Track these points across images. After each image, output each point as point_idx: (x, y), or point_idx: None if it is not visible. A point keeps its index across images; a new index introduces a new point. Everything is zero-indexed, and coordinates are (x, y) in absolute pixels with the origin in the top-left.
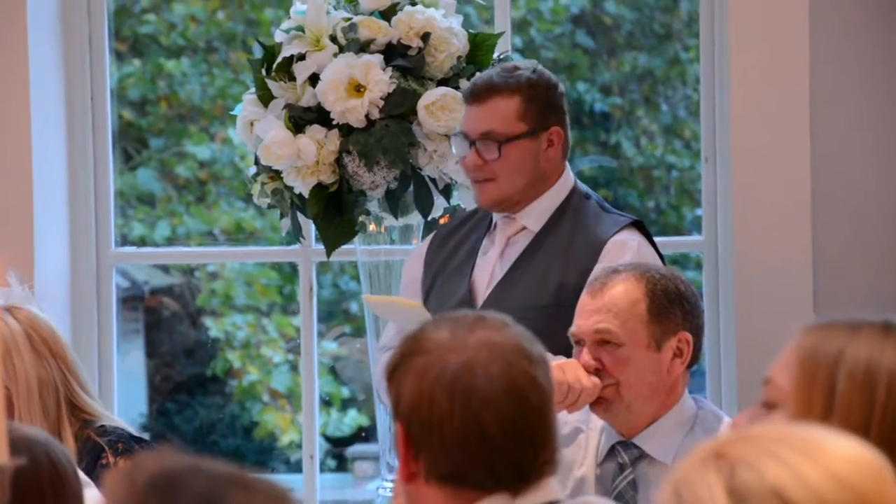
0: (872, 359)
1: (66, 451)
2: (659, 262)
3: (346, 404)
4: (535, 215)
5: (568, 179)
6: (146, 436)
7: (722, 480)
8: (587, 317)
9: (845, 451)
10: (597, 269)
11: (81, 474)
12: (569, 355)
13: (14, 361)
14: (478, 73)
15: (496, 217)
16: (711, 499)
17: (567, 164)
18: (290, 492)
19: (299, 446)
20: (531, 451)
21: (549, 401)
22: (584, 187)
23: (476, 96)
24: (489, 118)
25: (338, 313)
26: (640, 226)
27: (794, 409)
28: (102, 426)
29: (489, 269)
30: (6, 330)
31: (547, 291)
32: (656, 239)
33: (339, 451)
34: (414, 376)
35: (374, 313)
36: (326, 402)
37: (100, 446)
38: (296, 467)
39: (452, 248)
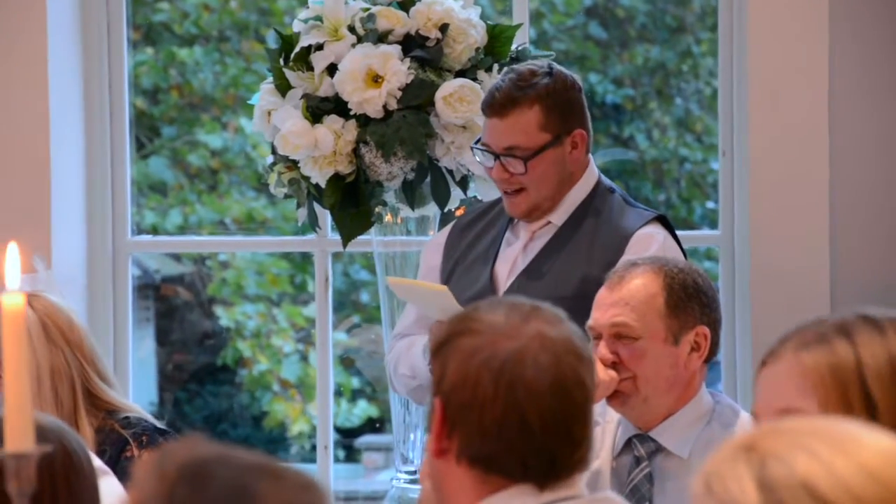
0: (888, 354)
1: (80, 439)
2: (681, 256)
3: (356, 395)
4: (561, 209)
5: (592, 173)
6: (170, 428)
7: (752, 473)
8: (605, 310)
9: (878, 445)
10: (618, 264)
11: (98, 461)
12: None
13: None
14: (497, 73)
15: None
16: (742, 492)
17: (591, 157)
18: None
19: (309, 436)
20: (568, 448)
21: (590, 400)
22: (607, 181)
23: (496, 110)
24: (512, 133)
25: (348, 303)
26: (663, 220)
27: None
28: (127, 417)
29: (512, 259)
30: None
31: (570, 283)
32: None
33: (348, 442)
34: (462, 355)
35: (398, 296)
36: (337, 393)
37: (124, 438)
38: (306, 457)
39: (474, 237)
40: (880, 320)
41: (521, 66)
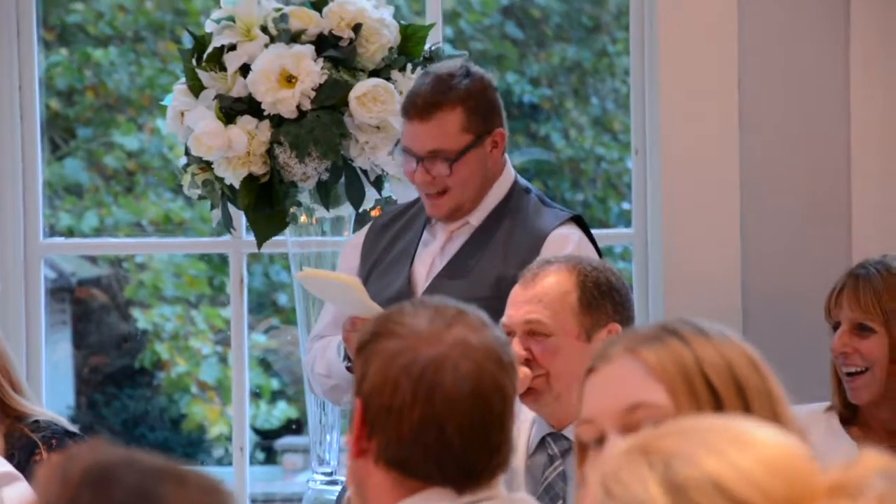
0: (720, 354)
1: None
2: (597, 256)
3: (275, 396)
4: (478, 210)
5: (509, 174)
6: (79, 431)
7: (656, 475)
8: (518, 307)
9: (771, 437)
10: (534, 262)
11: (8, 466)
12: None
13: None
14: (410, 72)
15: None
16: (647, 494)
17: (507, 157)
18: (223, 484)
19: (228, 439)
20: (485, 455)
21: (511, 407)
22: (524, 182)
23: (417, 114)
24: (435, 136)
25: (268, 304)
26: (579, 220)
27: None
28: (36, 421)
29: (430, 260)
30: None
31: (486, 284)
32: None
33: (267, 444)
34: (383, 359)
35: (308, 290)
36: (255, 395)
37: (33, 442)
38: (224, 460)
39: (391, 238)
40: (703, 327)
41: (439, 68)
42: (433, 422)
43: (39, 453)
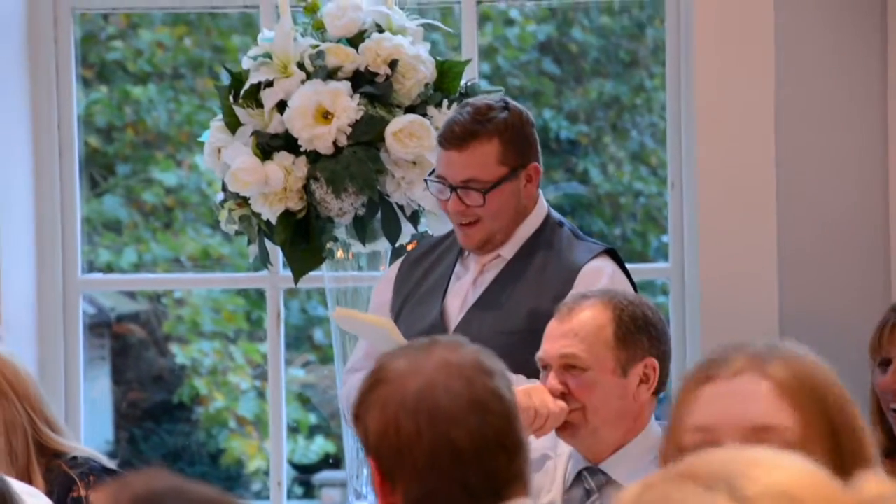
0: (837, 383)
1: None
2: (631, 289)
3: (313, 431)
4: (510, 243)
5: (542, 207)
6: (118, 466)
7: (723, 495)
8: (554, 341)
9: (792, 460)
10: (568, 296)
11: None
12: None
13: None
14: (447, 108)
15: None
16: None
17: (540, 192)
18: None
19: (266, 473)
20: (504, 461)
21: (513, 410)
22: (557, 215)
23: (455, 143)
24: (471, 165)
25: (305, 339)
26: (613, 254)
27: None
28: (74, 458)
29: (462, 293)
30: None
31: (519, 317)
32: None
33: (306, 478)
34: (377, 408)
35: (342, 328)
36: (293, 429)
37: (70, 478)
38: (263, 495)
39: (423, 271)
40: (808, 351)
41: (477, 100)
42: (443, 441)
43: (77, 489)
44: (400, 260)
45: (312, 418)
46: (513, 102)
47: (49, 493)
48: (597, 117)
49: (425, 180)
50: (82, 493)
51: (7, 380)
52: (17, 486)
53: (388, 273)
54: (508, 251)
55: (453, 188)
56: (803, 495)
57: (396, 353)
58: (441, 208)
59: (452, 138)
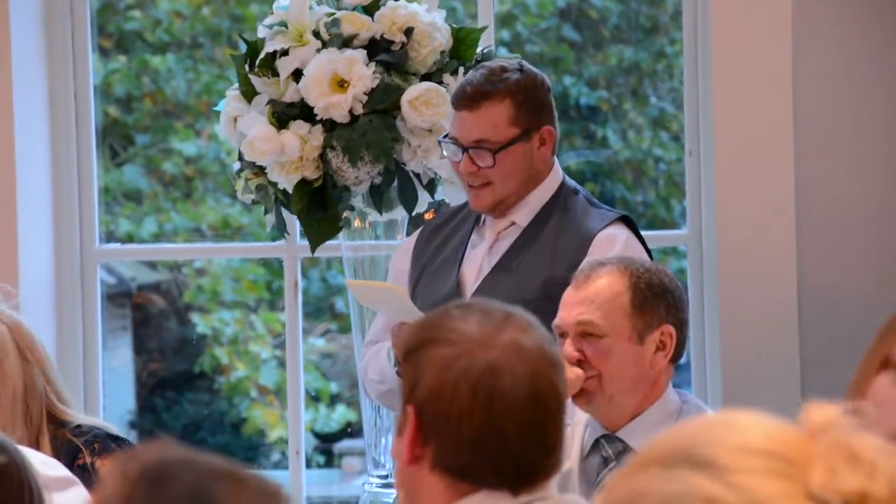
0: None
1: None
2: (646, 256)
3: (334, 400)
4: (525, 210)
5: (557, 174)
6: (126, 434)
7: (684, 468)
8: (570, 308)
9: (747, 418)
10: (584, 263)
11: (66, 471)
12: None
13: (3, 365)
14: (463, 76)
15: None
16: (683, 484)
17: (555, 158)
18: (280, 487)
19: (287, 442)
20: (542, 455)
21: (563, 407)
22: (571, 182)
23: (466, 103)
24: (481, 125)
25: (325, 308)
26: (627, 221)
27: None
28: (78, 426)
29: (478, 262)
30: None
31: (535, 285)
32: (643, 232)
33: (327, 447)
34: (438, 365)
35: (357, 299)
36: (314, 398)
37: (76, 446)
38: (283, 464)
39: (441, 241)
40: None
41: (493, 62)
42: (493, 426)
43: (82, 457)
44: (418, 230)
45: (333, 387)
46: (528, 65)
47: None
48: (617, 83)
49: (439, 141)
50: (88, 459)
51: (27, 345)
52: (32, 456)
53: (405, 243)
54: (523, 218)
55: (464, 149)
56: (761, 443)
57: (468, 314)
58: (454, 170)
59: (464, 98)
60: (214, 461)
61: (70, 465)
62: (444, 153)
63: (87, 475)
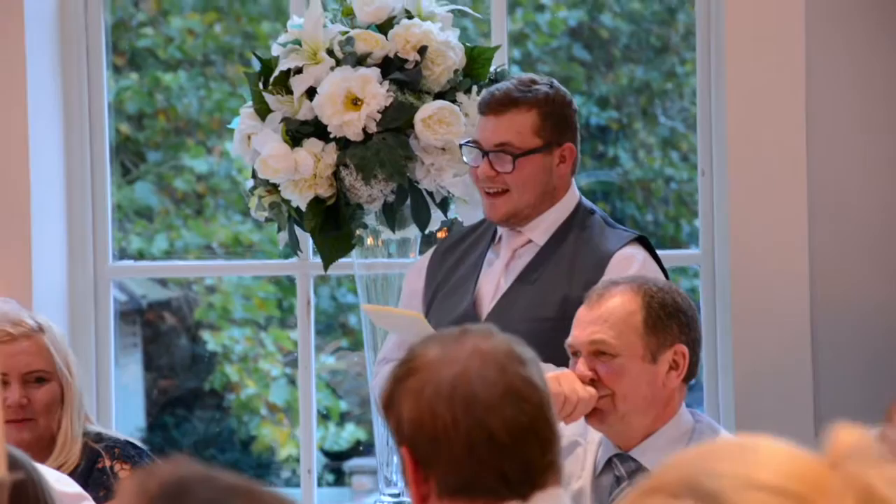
0: None
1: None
2: (662, 277)
3: (344, 418)
4: (542, 229)
5: (574, 194)
6: (152, 450)
7: (689, 499)
8: (583, 327)
9: (759, 445)
10: (598, 283)
11: (77, 487)
12: None
13: (70, 365)
14: (476, 95)
15: (501, 230)
16: None
17: (573, 179)
18: None
19: (297, 460)
20: (538, 450)
21: (547, 399)
22: (588, 203)
23: (493, 108)
24: (506, 130)
25: (336, 326)
26: (644, 241)
27: None
28: (98, 433)
29: (494, 280)
30: (61, 334)
31: (551, 304)
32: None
33: (337, 466)
34: (411, 397)
35: (374, 323)
36: (324, 416)
37: (96, 451)
38: (293, 482)
39: (455, 260)
40: None
41: (523, 74)
42: (480, 430)
43: (102, 461)
44: (432, 249)
45: (343, 405)
46: (559, 84)
47: (75, 467)
48: (627, 103)
49: (460, 145)
50: (107, 463)
51: (68, 356)
52: (46, 472)
53: (418, 262)
54: (540, 236)
55: (485, 153)
56: (769, 478)
57: (427, 342)
58: (471, 176)
59: (492, 102)
60: (232, 478)
61: (89, 468)
62: (465, 159)
63: (105, 478)
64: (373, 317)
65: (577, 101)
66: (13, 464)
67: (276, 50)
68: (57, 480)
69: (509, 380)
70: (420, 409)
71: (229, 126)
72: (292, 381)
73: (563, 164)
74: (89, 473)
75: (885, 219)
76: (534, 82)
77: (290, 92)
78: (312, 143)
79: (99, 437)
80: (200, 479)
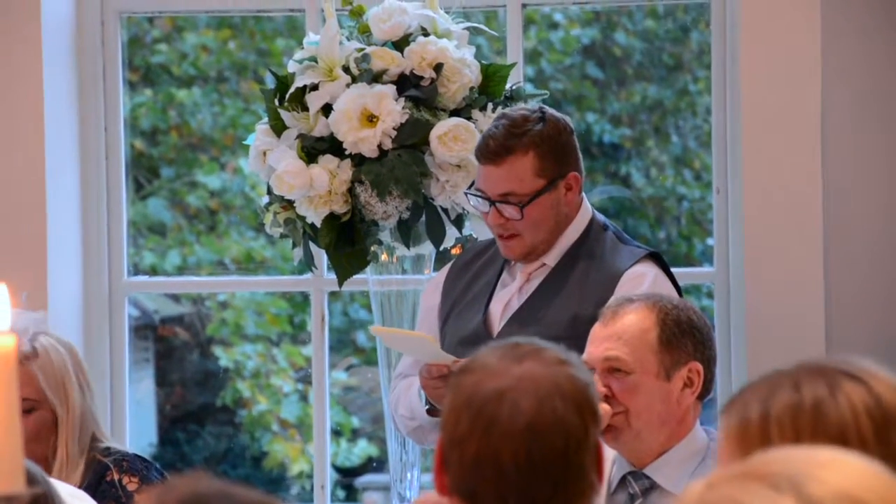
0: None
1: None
2: (675, 293)
3: (355, 434)
4: (555, 250)
5: (586, 212)
6: (162, 466)
7: (790, 495)
8: (598, 344)
9: (855, 460)
10: (611, 300)
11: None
12: None
13: (67, 391)
14: (492, 112)
15: None
16: None
17: (584, 196)
18: None
19: (309, 476)
20: (548, 488)
21: (582, 445)
22: (601, 218)
23: (490, 158)
24: (507, 180)
25: (347, 342)
26: (656, 257)
27: None
28: (107, 447)
29: (506, 301)
30: (59, 358)
31: (561, 324)
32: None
33: (348, 482)
34: (453, 393)
35: (384, 343)
36: (336, 433)
37: (104, 464)
38: (305, 497)
39: (471, 278)
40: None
41: (513, 111)
42: (489, 453)
43: (110, 474)
44: (448, 265)
45: (355, 421)
46: (550, 111)
47: (83, 480)
48: (640, 121)
49: (465, 193)
50: (116, 476)
51: (82, 370)
52: (61, 487)
53: (436, 278)
54: (552, 259)
55: (492, 202)
56: (869, 498)
57: (497, 348)
58: (483, 220)
59: (488, 153)
60: (248, 493)
61: (98, 481)
62: (472, 204)
63: (114, 490)
64: (382, 338)
65: (589, 119)
66: (29, 479)
67: (291, 67)
68: (71, 495)
69: (539, 415)
70: (451, 410)
71: (243, 142)
72: (304, 397)
73: (570, 192)
74: (97, 486)
75: None
76: (525, 120)
77: (305, 108)
78: (328, 160)
79: (107, 451)
80: (218, 494)
